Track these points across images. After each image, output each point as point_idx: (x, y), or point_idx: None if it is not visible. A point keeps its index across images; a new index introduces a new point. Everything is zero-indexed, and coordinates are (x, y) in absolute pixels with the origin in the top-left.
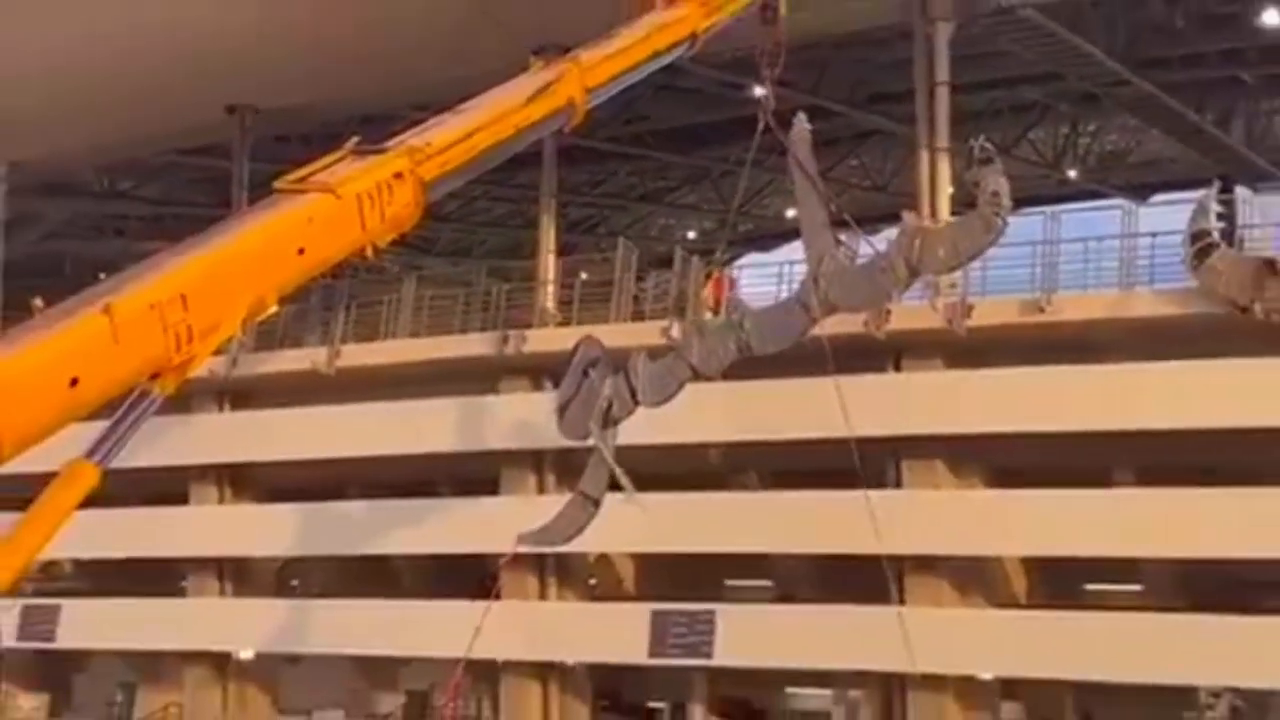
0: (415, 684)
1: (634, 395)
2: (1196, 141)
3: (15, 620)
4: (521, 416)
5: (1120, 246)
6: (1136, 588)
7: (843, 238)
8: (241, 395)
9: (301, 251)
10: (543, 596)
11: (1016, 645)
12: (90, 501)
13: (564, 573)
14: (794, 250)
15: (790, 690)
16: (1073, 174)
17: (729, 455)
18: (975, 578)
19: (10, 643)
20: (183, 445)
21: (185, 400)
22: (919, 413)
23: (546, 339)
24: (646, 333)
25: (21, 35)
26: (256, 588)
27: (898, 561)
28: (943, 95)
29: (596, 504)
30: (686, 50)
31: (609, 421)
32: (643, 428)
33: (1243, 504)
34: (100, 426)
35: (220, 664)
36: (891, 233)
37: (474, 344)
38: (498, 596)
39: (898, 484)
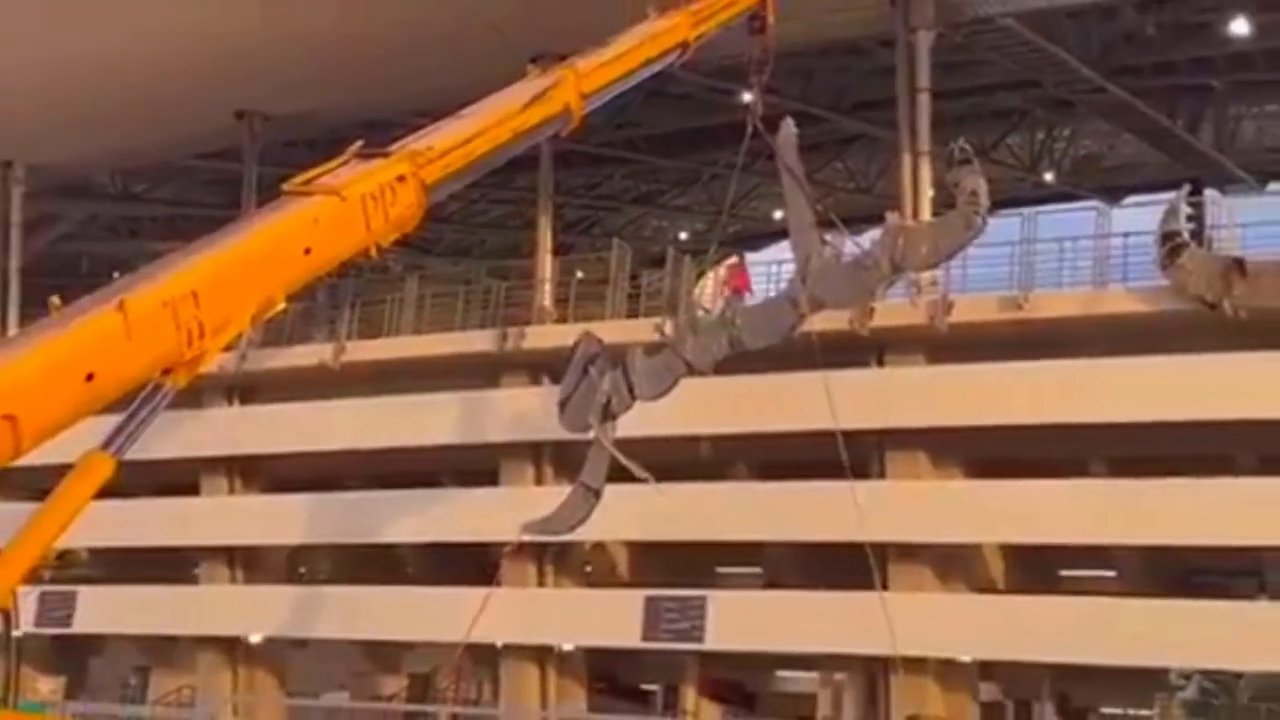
0: (418, 667)
1: (631, 390)
2: (1167, 145)
3: (33, 606)
4: (520, 410)
5: (1094, 246)
6: (1110, 573)
7: (829, 238)
8: (250, 390)
9: (308, 251)
10: (541, 583)
11: (995, 629)
12: (105, 492)
13: (561, 560)
14: (782, 250)
15: (780, 673)
16: (1049, 177)
17: (719, 447)
18: (955, 564)
19: (29, 628)
20: (194, 438)
21: (196, 394)
22: (901, 406)
23: (544, 335)
24: (640, 329)
25: (40, 44)
26: (266, 575)
27: (880, 549)
28: (924, 101)
29: (597, 495)
30: (678, 58)
31: (608, 415)
32: (637, 421)
33: (1211, 493)
34: (115, 419)
35: (231, 648)
36: (876, 233)
37: (474, 340)
38: (498, 584)
39: (881, 475)
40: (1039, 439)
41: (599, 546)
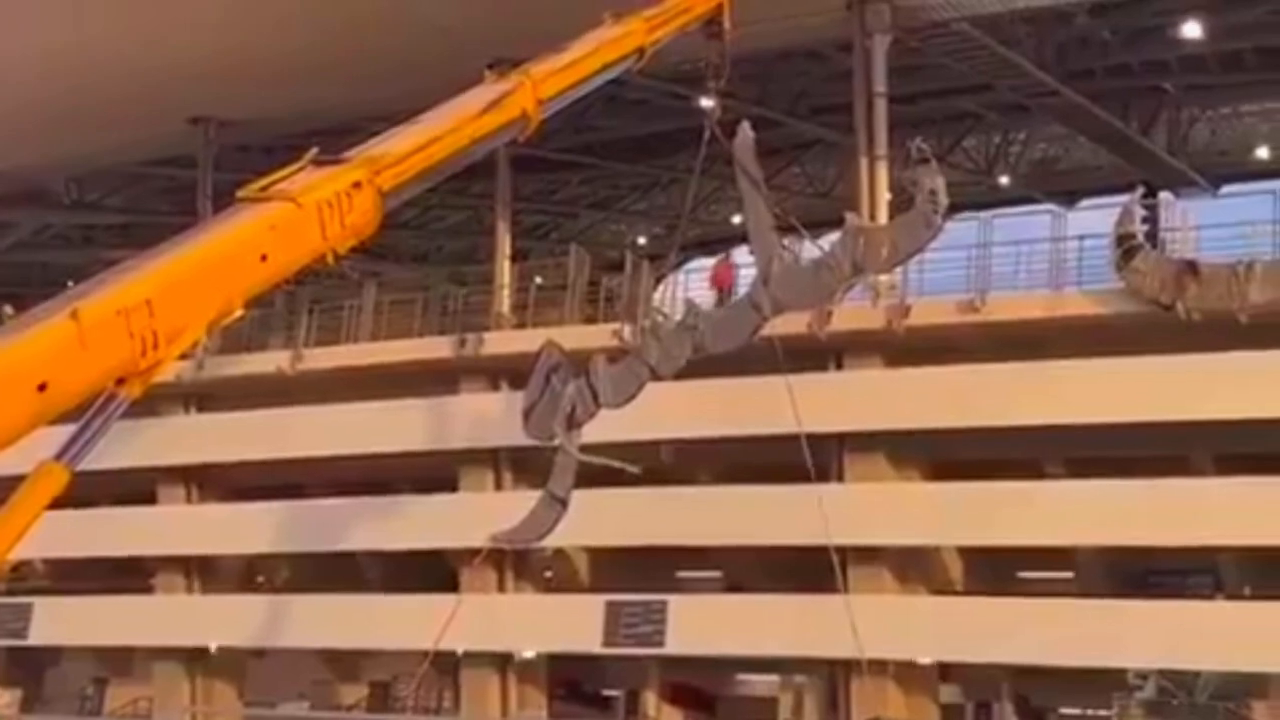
0: (378, 675)
1: (596, 397)
2: (1122, 149)
3: None
4: (479, 416)
5: (1050, 249)
6: (1068, 575)
7: (787, 242)
8: (207, 397)
9: (264, 258)
10: (501, 589)
11: (954, 630)
12: (60, 502)
13: (521, 566)
14: (741, 254)
15: (741, 677)
16: (1004, 180)
17: (680, 452)
18: (914, 566)
19: None
20: (150, 447)
21: (152, 403)
22: (860, 409)
23: (503, 341)
24: (599, 335)
25: None
26: (224, 584)
27: (840, 551)
28: (880, 105)
29: (564, 504)
30: (634, 64)
31: (573, 424)
32: (598, 427)
33: (1167, 494)
34: (69, 429)
35: (189, 658)
36: (835, 236)
37: (433, 347)
38: (459, 591)
39: (840, 478)
40: (997, 441)
41: (559, 552)
